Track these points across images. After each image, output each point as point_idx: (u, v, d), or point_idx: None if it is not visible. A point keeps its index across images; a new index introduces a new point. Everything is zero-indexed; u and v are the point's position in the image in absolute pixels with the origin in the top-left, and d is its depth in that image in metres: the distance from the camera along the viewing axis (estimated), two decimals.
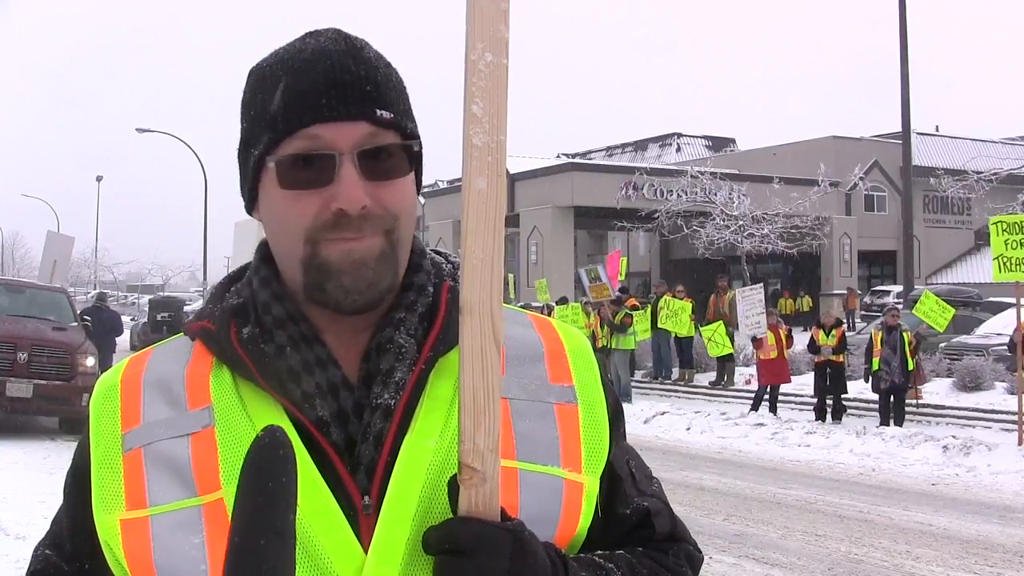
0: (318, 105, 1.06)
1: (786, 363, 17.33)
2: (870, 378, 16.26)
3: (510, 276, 23.05)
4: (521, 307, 1.44)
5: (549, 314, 21.05)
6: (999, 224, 13.59)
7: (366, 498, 1.06)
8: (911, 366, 15.44)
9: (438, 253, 1.25)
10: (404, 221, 1.11)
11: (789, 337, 17.63)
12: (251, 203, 1.16)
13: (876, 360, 15.43)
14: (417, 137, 1.13)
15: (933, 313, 16.96)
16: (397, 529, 1.03)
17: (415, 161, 1.14)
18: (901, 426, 14.99)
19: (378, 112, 1.08)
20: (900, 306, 20.54)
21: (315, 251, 1.08)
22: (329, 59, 1.08)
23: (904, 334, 15.43)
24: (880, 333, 15.61)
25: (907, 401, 15.84)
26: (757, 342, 17.41)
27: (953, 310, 17.43)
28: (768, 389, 17.15)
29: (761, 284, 19.18)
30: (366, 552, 1.03)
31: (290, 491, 0.90)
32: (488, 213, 0.98)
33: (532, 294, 27.25)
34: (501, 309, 0.99)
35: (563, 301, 23.12)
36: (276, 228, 1.12)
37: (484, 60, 0.96)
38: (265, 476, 0.89)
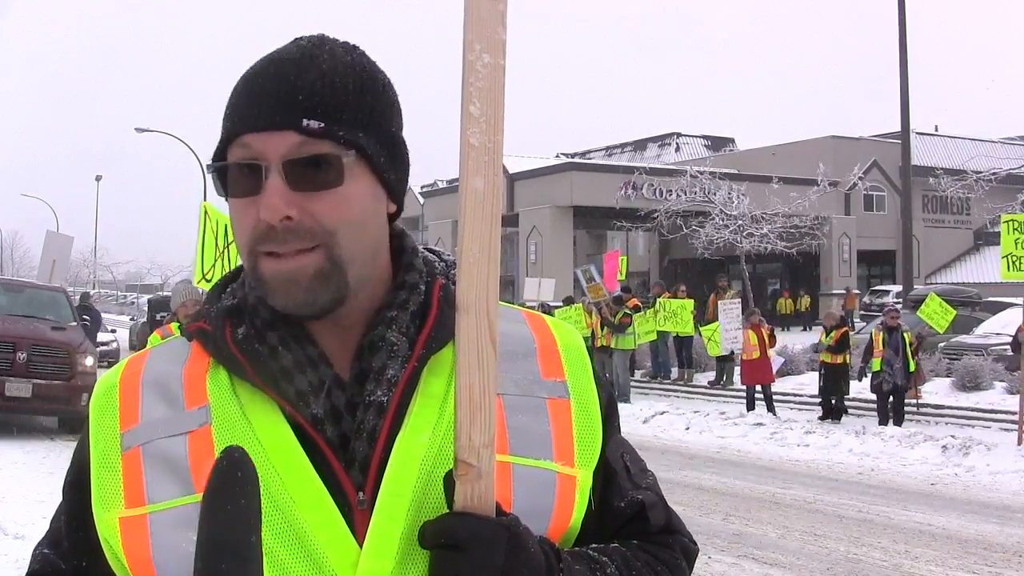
0: (250, 115, 1.08)
1: (768, 362, 17.27)
2: (864, 377, 16.25)
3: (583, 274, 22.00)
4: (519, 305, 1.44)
5: (548, 313, 21.01)
6: (1011, 223, 13.57)
7: (360, 494, 1.07)
8: (912, 367, 15.43)
9: (432, 251, 1.26)
10: (347, 235, 1.08)
11: (772, 337, 17.58)
12: None
13: (877, 360, 15.40)
14: (359, 147, 1.08)
15: (936, 315, 17.06)
16: (391, 524, 1.04)
17: (376, 170, 1.11)
18: (900, 426, 14.99)
19: (305, 122, 1.06)
20: (899, 306, 20.57)
21: (256, 263, 1.10)
22: (273, 68, 1.09)
23: (905, 335, 15.42)
24: (881, 334, 15.58)
25: (908, 401, 15.83)
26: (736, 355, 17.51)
27: (954, 311, 17.48)
28: (759, 388, 17.17)
29: (739, 300, 19.14)
30: (361, 547, 1.04)
31: (251, 512, 0.91)
32: (485, 212, 0.99)
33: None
34: (497, 307, 1.00)
35: (569, 301, 23.09)
36: (235, 236, 1.14)
37: (482, 61, 0.97)
38: (225, 499, 0.91)
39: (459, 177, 0.99)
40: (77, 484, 1.15)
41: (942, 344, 20.17)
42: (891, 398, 15.48)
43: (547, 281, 22.41)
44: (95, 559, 1.13)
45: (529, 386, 1.17)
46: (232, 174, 1.10)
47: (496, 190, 0.99)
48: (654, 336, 21.34)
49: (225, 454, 0.93)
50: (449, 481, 1.01)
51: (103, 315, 28.42)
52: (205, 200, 8.89)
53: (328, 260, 1.08)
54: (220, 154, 1.11)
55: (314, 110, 1.07)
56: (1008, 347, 16.85)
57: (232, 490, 0.91)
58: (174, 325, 8.32)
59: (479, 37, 0.97)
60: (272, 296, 1.09)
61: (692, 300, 21.42)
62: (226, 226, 10.14)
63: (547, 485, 1.12)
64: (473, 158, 0.98)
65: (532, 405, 1.16)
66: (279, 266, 1.08)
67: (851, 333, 18.34)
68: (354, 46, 1.15)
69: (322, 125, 1.07)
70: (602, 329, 19.81)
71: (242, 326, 1.15)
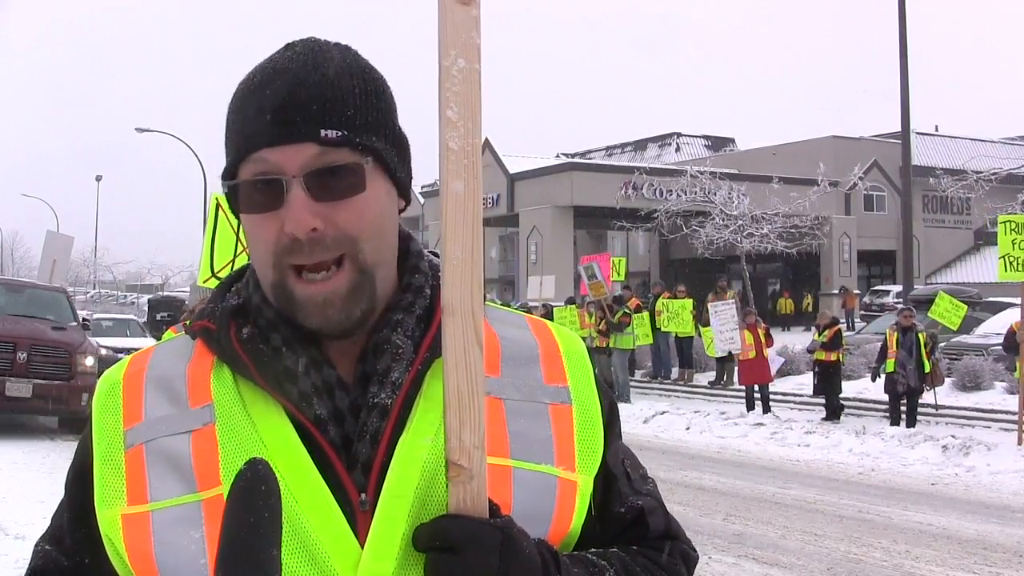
0: (264, 130, 1.07)
1: (766, 362, 17.20)
2: (876, 378, 16.10)
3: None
4: (518, 307, 1.45)
5: (547, 314, 21.06)
6: (1008, 223, 13.57)
7: (363, 495, 1.07)
8: (927, 368, 15.12)
9: (436, 255, 1.25)
10: (370, 240, 1.09)
11: (768, 336, 17.55)
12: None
13: (891, 361, 15.17)
14: (375, 152, 1.09)
15: (948, 313, 17.01)
16: (393, 525, 1.05)
17: (389, 171, 1.13)
18: (913, 427, 14.80)
19: (323, 132, 1.06)
20: (900, 305, 20.53)
21: (282, 279, 1.09)
22: (280, 79, 1.08)
23: (919, 335, 15.17)
24: (896, 334, 15.33)
25: (926, 402, 15.52)
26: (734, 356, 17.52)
27: (965, 307, 17.39)
28: (757, 388, 17.15)
29: (733, 300, 19.07)
30: (362, 548, 1.05)
31: (273, 525, 0.91)
32: (466, 215, 0.99)
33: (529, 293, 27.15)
34: (482, 309, 1.01)
35: (571, 301, 23.07)
36: (249, 249, 1.14)
37: (457, 66, 0.98)
38: (247, 511, 0.91)
39: (439, 181, 1.00)
40: (79, 481, 1.15)
41: (942, 344, 20.13)
42: (904, 399, 15.20)
43: (548, 278, 22.42)
44: (97, 555, 1.13)
45: (531, 391, 1.17)
46: (246, 190, 1.09)
47: (476, 193, 0.99)
48: (650, 339, 21.33)
49: (249, 466, 0.93)
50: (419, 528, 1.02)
51: (133, 319, 28.45)
52: (215, 193, 8.47)
53: (357, 271, 1.09)
54: (231, 171, 1.10)
55: (330, 119, 1.07)
56: (1002, 347, 16.82)
57: (255, 502, 0.91)
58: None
59: (454, 43, 0.98)
60: (306, 317, 1.09)
61: (692, 300, 21.41)
62: None
63: (548, 489, 1.12)
64: (452, 162, 0.99)
65: (534, 410, 1.16)
66: (311, 290, 1.08)
67: (848, 333, 18.31)
68: (347, 46, 1.15)
69: (341, 134, 1.07)
70: (597, 329, 19.83)
71: (247, 326, 1.15)
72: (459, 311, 0.99)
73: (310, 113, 1.06)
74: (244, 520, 0.91)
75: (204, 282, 8.16)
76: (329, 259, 1.08)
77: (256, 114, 1.07)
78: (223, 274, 8.42)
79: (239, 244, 8.35)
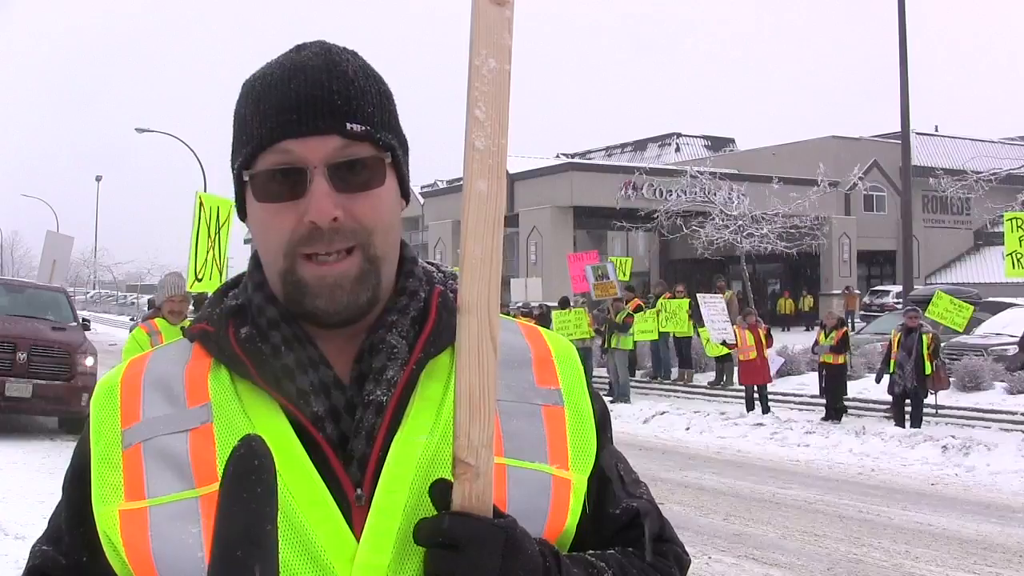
0: (289, 121, 1.09)
1: (766, 362, 17.19)
2: (880, 379, 16.00)
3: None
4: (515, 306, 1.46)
5: (546, 314, 21.07)
6: (1015, 220, 13.55)
7: (359, 490, 1.09)
8: (928, 370, 14.76)
9: (431, 264, 1.29)
10: (381, 234, 1.13)
11: (768, 337, 17.52)
12: (243, 213, 1.19)
13: (893, 362, 15.04)
14: (392, 148, 1.14)
15: (949, 313, 16.86)
16: (388, 520, 1.06)
17: (397, 171, 1.16)
18: (919, 427, 14.68)
19: (348, 126, 1.10)
20: (899, 305, 20.50)
21: (292, 266, 1.12)
22: (303, 74, 1.11)
23: (924, 336, 14.89)
24: (899, 335, 15.18)
25: (926, 403, 15.31)
26: (731, 346, 17.50)
27: (971, 307, 17.21)
28: (756, 389, 17.15)
29: (721, 295, 19.11)
30: (358, 542, 1.06)
31: (269, 501, 0.92)
32: (488, 215, 1.00)
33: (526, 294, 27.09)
34: (499, 309, 1.02)
35: (565, 303, 23.08)
36: (258, 240, 1.16)
37: (488, 66, 0.99)
38: (242, 487, 0.92)
39: (463, 179, 1.00)
40: (78, 480, 1.16)
41: (943, 344, 20.10)
42: (907, 400, 15.05)
43: (533, 280, 22.54)
44: (95, 555, 1.13)
45: (524, 392, 1.19)
46: (267, 179, 1.12)
47: (499, 193, 1.00)
48: (655, 335, 21.34)
49: (243, 442, 0.94)
50: (436, 488, 1.01)
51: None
52: (199, 192, 8.38)
53: (366, 259, 1.12)
54: (249, 163, 1.13)
55: (354, 114, 1.10)
56: (1008, 347, 16.78)
57: (250, 478, 0.92)
58: (159, 321, 7.84)
59: (486, 43, 0.99)
60: (314, 300, 1.11)
61: (688, 300, 21.41)
62: (218, 208, 9.33)
63: (542, 487, 1.14)
64: (477, 161, 0.99)
65: (527, 411, 1.17)
66: (323, 271, 1.10)
67: (850, 333, 18.27)
68: (355, 51, 1.18)
69: (365, 128, 1.11)
70: (597, 329, 19.82)
71: (245, 326, 1.17)
72: (475, 310, 1.00)
73: (335, 106, 1.10)
74: (238, 496, 0.92)
75: (191, 286, 8.03)
76: (344, 247, 1.11)
77: (279, 107, 1.10)
78: (203, 275, 8.34)
79: (208, 240, 8.31)
